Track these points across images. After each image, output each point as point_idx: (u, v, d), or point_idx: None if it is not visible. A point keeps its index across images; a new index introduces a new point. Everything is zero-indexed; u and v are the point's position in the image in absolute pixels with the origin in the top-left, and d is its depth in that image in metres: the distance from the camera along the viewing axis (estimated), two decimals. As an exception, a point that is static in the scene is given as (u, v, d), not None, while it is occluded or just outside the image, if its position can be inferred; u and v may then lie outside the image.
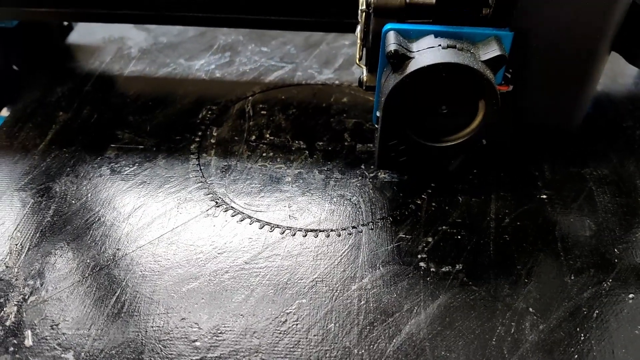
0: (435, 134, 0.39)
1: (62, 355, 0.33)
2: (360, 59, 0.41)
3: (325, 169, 0.45)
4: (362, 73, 0.41)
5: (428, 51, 0.35)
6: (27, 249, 0.39)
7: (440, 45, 0.36)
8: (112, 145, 0.47)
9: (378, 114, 0.39)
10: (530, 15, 0.37)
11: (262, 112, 0.51)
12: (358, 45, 0.41)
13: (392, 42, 0.36)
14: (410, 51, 0.36)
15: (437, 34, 0.36)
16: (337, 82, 0.55)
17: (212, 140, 0.48)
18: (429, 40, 0.36)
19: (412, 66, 0.35)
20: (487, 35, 0.37)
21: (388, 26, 0.37)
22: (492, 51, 0.36)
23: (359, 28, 0.40)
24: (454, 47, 0.36)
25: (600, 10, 0.37)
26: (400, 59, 0.35)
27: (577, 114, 0.44)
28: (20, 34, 0.58)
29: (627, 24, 0.39)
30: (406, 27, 0.37)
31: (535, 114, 0.43)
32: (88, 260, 0.38)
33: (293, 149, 0.47)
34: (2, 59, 0.58)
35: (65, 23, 0.62)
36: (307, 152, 0.47)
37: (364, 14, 0.39)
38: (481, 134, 0.39)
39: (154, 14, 0.51)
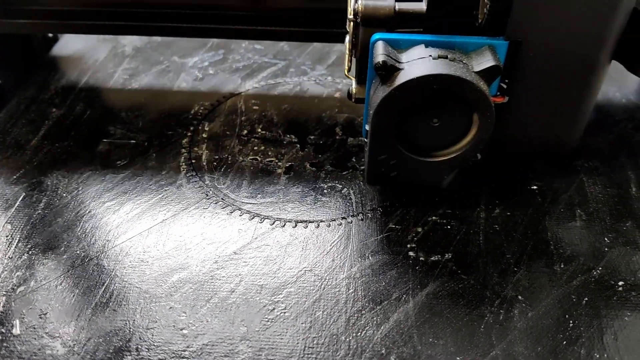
0: (427, 148, 0.38)
1: (50, 344, 0.33)
2: (349, 70, 0.40)
3: (317, 161, 0.45)
4: (351, 85, 0.40)
5: (418, 62, 0.34)
6: (17, 240, 0.39)
7: (431, 55, 0.34)
8: (104, 140, 0.47)
9: (367, 127, 0.37)
10: (526, 23, 0.35)
11: (255, 107, 0.51)
12: (346, 56, 0.39)
13: (380, 52, 0.34)
14: (400, 62, 0.34)
15: (427, 44, 0.35)
16: (329, 78, 0.55)
17: (204, 135, 0.48)
18: (419, 51, 0.35)
19: (401, 78, 0.34)
20: (480, 45, 0.35)
21: (376, 36, 0.35)
22: (485, 61, 0.34)
23: (347, 38, 0.39)
24: (446, 57, 0.34)
25: (601, 17, 0.35)
26: (389, 70, 0.34)
27: (575, 129, 0.42)
28: (2, 46, 0.56)
29: (628, 31, 0.37)
30: (395, 37, 0.35)
31: (531, 128, 0.41)
32: (78, 251, 0.38)
33: (284, 142, 0.47)
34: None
35: (50, 35, 0.60)
36: (298, 145, 0.47)
37: (352, 23, 0.37)
38: (476, 148, 0.37)
39: (139, 25, 0.50)
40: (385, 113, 0.35)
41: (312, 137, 0.48)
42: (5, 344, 0.33)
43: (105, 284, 0.36)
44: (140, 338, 0.33)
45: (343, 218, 0.40)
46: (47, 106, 0.51)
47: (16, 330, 0.34)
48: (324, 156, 0.46)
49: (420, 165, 0.38)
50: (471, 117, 0.36)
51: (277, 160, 0.45)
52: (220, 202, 0.42)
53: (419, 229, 0.40)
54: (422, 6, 0.36)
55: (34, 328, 0.34)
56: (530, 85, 0.38)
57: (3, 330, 0.34)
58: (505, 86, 0.38)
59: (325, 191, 0.43)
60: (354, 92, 0.40)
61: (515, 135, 0.41)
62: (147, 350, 0.33)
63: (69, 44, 0.60)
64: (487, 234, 0.39)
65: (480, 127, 0.36)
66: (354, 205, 0.41)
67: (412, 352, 0.33)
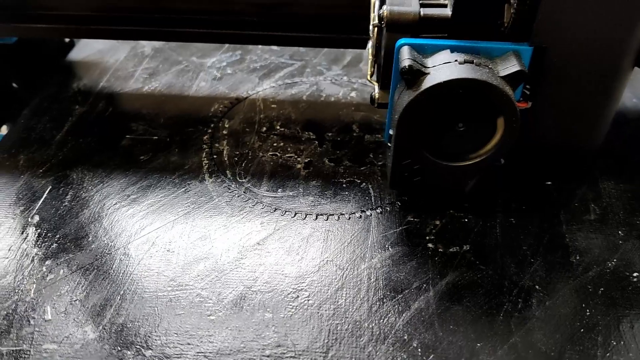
0: (452, 153, 0.38)
1: (81, 329, 0.34)
2: (372, 76, 0.40)
3: (335, 157, 0.46)
4: (374, 90, 0.40)
5: (444, 67, 0.34)
6: (45, 231, 0.40)
7: (456, 60, 0.34)
8: (127, 136, 0.49)
9: (391, 132, 0.37)
10: (551, 30, 0.35)
11: (272, 105, 0.52)
12: (369, 61, 0.40)
13: (406, 57, 0.34)
14: (425, 67, 0.34)
15: (453, 49, 0.35)
16: (345, 78, 0.56)
17: (224, 132, 0.49)
18: (444, 56, 0.35)
19: (428, 82, 0.34)
20: (505, 50, 0.35)
21: (401, 41, 0.36)
22: (511, 66, 0.34)
23: (370, 44, 0.39)
24: (471, 62, 0.34)
25: (625, 24, 0.35)
26: (415, 74, 0.34)
27: (597, 133, 0.42)
28: (20, 50, 0.57)
29: None
30: (421, 42, 0.35)
31: (553, 133, 0.41)
32: (105, 241, 0.39)
33: (303, 139, 0.48)
34: (1, 76, 0.57)
35: (67, 40, 0.61)
36: (316, 142, 0.48)
37: (376, 29, 0.38)
38: (500, 152, 0.37)
39: (155, 30, 0.51)
40: (411, 117, 0.35)
41: (329, 134, 0.49)
42: (37, 329, 0.34)
43: (133, 272, 0.37)
44: (168, 323, 0.34)
45: (362, 211, 0.41)
46: (69, 104, 0.53)
47: (48, 316, 0.35)
48: (342, 152, 0.47)
49: (444, 170, 0.38)
50: (496, 122, 0.36)
51: (296, 156, 0.46)
52: (242, 196, 0.43)
53: (437, 222, 0.41)
54: (447, 12, 0.36)
55: (65, 314, 0.35)
56: (553, 91, 0.38)
57: (35, 316, 0.35)
58: (528, 92, 0.38)
59: (344, 185, 0.44)
60: (377, 97, 0.40)
61: (537, 139, 0.41)
62: (175, 334, 0.34)
63: (89, 45, 0.61)
64: (504, 227, 0.40)
65: (505, 132, 0.36)
66: (372, 199, 0.42)
67: (433, 338, 0.34)
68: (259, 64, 0.58)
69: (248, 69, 0.57)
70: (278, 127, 0.50)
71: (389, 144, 0.39)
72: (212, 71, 0.57)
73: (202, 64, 0.58)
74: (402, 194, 0.43)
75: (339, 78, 0.56)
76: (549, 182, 0.44)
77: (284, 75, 0.56)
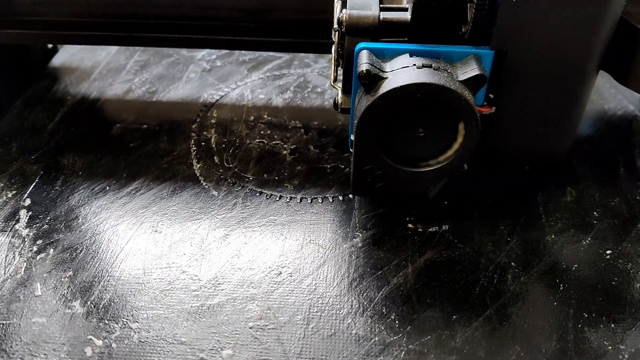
0: (413, 158, 0.37)
1: (70, 304, 0.35)
2: (335, 80, 0.40)
3: (320, 144, 0.48)
4: (337, 94, 0.39)
5: (402, 71, 0.33)
6: (37, 212, 0.41)
7: (415, 64, 0.33)
8: (117, 125, 0.50)
9: (352, 137, 0.37)
10: (511, 33, 0.34)
11: (261, 96, 0.54)
12: (332, 66, 0.39)
13: (364, 61, 0.34)
14: (383, 71, 0.34)
15: (412, 53, 0.34)
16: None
17: (213, 121, 0.50)
18: (403, 60, 0.34)
19: (385, 87, 0.33)
20: (465, 54, 0.34)
21: (360, 45, 0.35)
22: (470, 70, 0.34)
23: (333, 48, 0.39)
24: (430, 66, 0.33)
25: (587, 27, 0.34)
26: (373, 79, 0.33)
27: (564, 139, 0.41)
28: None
29: (615, 41, 0.37)
30: (380, 46, 0.35)
31: (518, 140, 0.40)
32: (95, 222, 0.40)
33: (290, 127, 0.50)
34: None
35: (50, 46, 0.60)
36: (302, 130, 0.49)
37: (337, 32, 0.37)
38: (462, 158, 0.36)
39: (137, 36, 0.50)
40: (370, 123, 0.34)
41: (315, 122, 0.50)
42: (27, 304, 0.35)
43: (119, 253, 0.38)
44: (154, 298, 0.35)
45: (345, 194, 0.43)
46: (61, 94, 0.54)
47: (37, 292, 0.36)
48: (327, 139, 0.48)
49: (405, 175, 0.37)
50: (457, 127, 0.35)
51: (282, 143, 0.48)
52: (229, 180, 0.44)
53: (417, 204, 0.42)
54: (407, 16, 0.36)
55: (55, 289, 0.36)
56: (516, 96, 0.38)
57: (25, 292, 0.36)
58: (492, 96, 0.37)
59: (328, 170, 0.45)
60: (340, 102, 0.39)
61: (503, 146, 0.41)
62: (162, 309, 0.35)
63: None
64: (482, 208, 0.41)
65: (466, 137, 0.35)
66: (355, 182, 0.44)
67: (411, 311, 0.35)
68: (248, 56, 0.59)
69: (237, 61, 0.59)
70: (265, 116, 0.51)
71: (350, 150, 0.38)
72: (202, 63, 0.58)
73: (192, 57, 0.59)
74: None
75: (325, 70, 0.57)
76: (527, 167, 0.45)
77: (272, 67, 0.58)
